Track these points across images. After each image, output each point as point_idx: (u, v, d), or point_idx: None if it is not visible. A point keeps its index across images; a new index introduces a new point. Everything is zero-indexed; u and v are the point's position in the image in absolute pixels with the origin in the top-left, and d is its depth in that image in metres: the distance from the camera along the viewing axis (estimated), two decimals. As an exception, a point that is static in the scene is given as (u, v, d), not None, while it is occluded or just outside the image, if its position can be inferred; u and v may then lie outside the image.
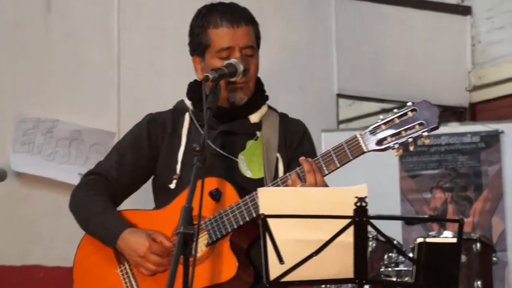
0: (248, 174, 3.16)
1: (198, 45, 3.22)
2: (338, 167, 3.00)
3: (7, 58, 5.34)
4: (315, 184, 2.95)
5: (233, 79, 3.12)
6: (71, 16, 5.52)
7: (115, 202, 3.27)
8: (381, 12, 6.54)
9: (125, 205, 3.34)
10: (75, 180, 5.28)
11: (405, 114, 2.92)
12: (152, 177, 3.30)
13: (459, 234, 2.74)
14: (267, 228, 2.70)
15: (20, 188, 5.26)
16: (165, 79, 5.70)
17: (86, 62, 5.53)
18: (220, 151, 3.16)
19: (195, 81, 3.29)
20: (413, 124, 2.91)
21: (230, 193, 3.05)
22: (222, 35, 3.16)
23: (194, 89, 3.24)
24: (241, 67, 3.11)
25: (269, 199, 2.74)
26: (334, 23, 6.35)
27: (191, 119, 3.24)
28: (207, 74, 3.02)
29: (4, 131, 5.26)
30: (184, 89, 3.36)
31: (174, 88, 5.51)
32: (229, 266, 3.02)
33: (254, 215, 2.99)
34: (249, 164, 3.17)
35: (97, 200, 3.21)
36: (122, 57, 5.62)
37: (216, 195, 3.05)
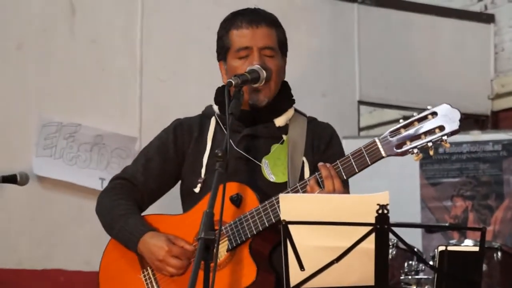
0: (272, 178, 3.15)
1: (221, 49, 3.24)
2: (357, 172, 2.98)
3: (32, 63, 5.38)
4: (333, 191, 2.93)
5: (255, 85, 3.12)
6: (95, 22, 5.56)
7: (141, 207, 3.29)
8: (404, 19, 6.54)
9: (153, 211, 3.34)
10: (96, 185, 5.32)
11: (425, 117, 2.88)
12: (180, 182, 3.31)
13: (482, 242, 2.72)
14: (288, 235, 2.70)
15: (42, 192, 5.28)
16: (187, 85, 5.71)
17: (109, 68, 5.56)
18: (244, 154, 3.17)
19: (222, 86, 3.30)
20: (433, 128, 2.86)
21: (250, 198, 3.05)
22: (241, 36, 3.18)
23: (220, 93, 3.26)
24: (264, 74, 3.11)
25: (290, 205, 2.73)
26: (356, 30, 6.35)
27: (216, 123, 3.25)
28: (230, 80, 3.03)
29: (27, 135, 5.29)
30: (206, 95, 3.37)
31: (196, 94, 5.54)
32: (249, 272, 3.02)
33: (274, 221, 2.98)
34: (273, 168, 3.16)
35: (122, 204, 3.23)
36: (144, 63, 5.64)
37: (237, 201, 3.05)
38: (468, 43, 6.75)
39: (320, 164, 2.97)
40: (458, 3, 6.96)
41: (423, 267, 4.57)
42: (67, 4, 5.49)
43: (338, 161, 2.97)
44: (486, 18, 6.80)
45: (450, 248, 2.73)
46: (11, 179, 3.73)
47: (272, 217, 3.00)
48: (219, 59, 3.28)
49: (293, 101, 3.29)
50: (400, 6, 6.56)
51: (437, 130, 2.86)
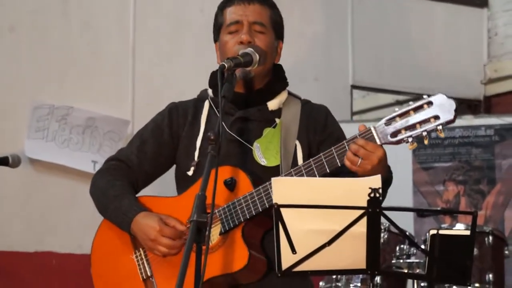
0: (263, 162, 3.15)
1: (215, 27, 3.25)
2: None
3: (24, 46, 5.37)
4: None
5: (248, 69, 3.12)
6: (88, 5, 5.54)
7: (135, 189, 3.29)
8: (397, 4, 6.53)
9: (148, 194, 3.35)
10: (89, 167, 5.32)
11: (421, 107, 2.88)
12: (175, 166, 3.32)
13: (473, 226, 2.73)
14: (280, 218, 2.71)
15: (34, 175, 5.28)
16: (180, 68, 5.71)
17: (102, 50, 5.55)
18: (236, 137, 3.17)
19: (217, 70, 3.29)
20: (428, 117, 2.87)
21: (244, 182, 3.06)
22: (233, 11, 3.20)
23: (214, 77, 3.26)
24: (257, 57, 3.11)
25: (282, 189, 2.74)
26: (350, 15, 6.34)
27: (210, 106, 3.26)
28: (223, 63, 3.03)
29: (19, 118, 5.28)
30: (200, 78, 3.37)
31: (189, 77, 5.54)
32: (241, 256, 3.02)
33: (267, 206, 2.99)
34: (264, 152, 3.16)
35: (116, 185, 3.23)
36: (137, 46, 5.63)
37: (231, 184, 3.06)
38: (462, 27, 6.75)
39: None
40: (452, -13, 6.95)
41: (415, 251, 4.59)
42: (60, -13, 5.48)
43: (333, 148, 2.97)
44: (480, 2, 6.80)
45: (441, 231, 2.74)
46: (2, 161, 3.72)
47: (265, 201, 3.01)
48: (214, 40, 3.29)
49: (286, 84, 3.29)
50: (393, -10, 6.56)
51: (432, 120, 2.86)
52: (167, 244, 3.08)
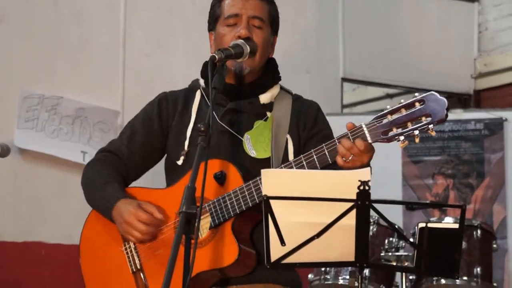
0: (253, 153, 3.15)
1: (211, 18, 3.24)
2: None
3: (15, 35, 5.35)
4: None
5: (239, 60, 3.12)
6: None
7: (126, 180, 3.28)
8: (388, -3, 6.54)
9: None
10: (78, 158, 5.31)
11: (412, 105, 2.87)
12: (165, 157, 3.31)
13: (461, 219, 2.74)
14: (269, 210, 2.71)
15: (23, 165, 5.27)
16: (171, 58, 5.70)
17: (92, 41, 5.54)
18: (227, 128, 3.17)
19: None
20: (419, 116, 2.85)
21: (234, 176, 3.05)
22: (232, 4, 3.19)
23: (206, 68, 3.25)
24: (247, 49, 3.11)
25: (272, 181, 2.74)
26: (341, 8, 6.34)
27: (201, 97, 3.26)
28: (214, 54, 3.03)
29: (9, 107, 5.27)
30: (190, 69, 3.38)
31: (180, 68, 5.53)
32: (231, 251, 3.02)
33: (257, 201, 2.98)
34: (254, 144, 3.16)
35: (103, 174, 3.23)
36: (128, 36, 5.62)
37: (221, 178, 3.05)
38: (452, 22, 6.76)
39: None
40: (443, -19, 6.96)
41: (404, 244, 4.60)
42: (51, -24, 5.46)
43: (323, 145, 2.97)
44: (471, -3, 6.81)
45: (430, 225, 2.75)
46: (-8, 151, 3.71)
47: (255, 197, 3.00)
48: (209, 29, 3.28)
49: (278, 78, 3.29)
50: (385, -16, 6.56)
51: (423, 118, 2.85)
52: (141, 229, 3.07)
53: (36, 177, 5.31)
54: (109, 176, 3.22)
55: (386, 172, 5.60)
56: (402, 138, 2.87)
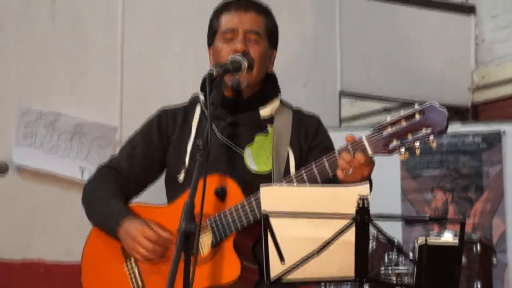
0: (254, 167, 3.16)
1: (210, 33, 3.26)
2: None
3: (12, 49, 5.34)
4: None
5: (237, 75, 3.13)
6: (76, 9, 5.52)
7: (126, 195, 3.28)
8: (386, 10, 6.54)
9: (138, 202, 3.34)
10: (76, 174, 5.30)
11: (412, 116, 2.85)
12: (165, 172, 3.31)
13: (461, 235, 2.74)
14: (268, 226, 2.70)
15: (21, 182, 5.25)
16: (169, 75, 5.70)
17: (89, 56, 5.53)
18: (227, 141, 3.16)
19: None
20: (419, 127, 2.84)
21: (235, 192, 3.05)
22: (229, 18, 3.21)
23: (205, 82, 3.26)
24: (245, 64, 3.12)
25: (271, 197, 2.74)
26: (338, 21, 6.35)
27: (201, 111, 3.26)
28: (211, 69, 3.03)
29: (7, 124, 5.26)
30: (188, 85, 3.39)
31: (177, 84, 5.53)
32: (233, 268, 3.01)
33: (258, 216, 2.97)
34: (255, 157, 3.16)
35: (105, 191, 3.23)
36: (126, 53, 5.62)
37: (221, 194, 3.05)
38: (449, 34, 6.76)
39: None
40: (439, -6, 6.97)
41: (403, 259, 4.59)
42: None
43: (324, 157, 2.96)
44: (467, 9, 6.81)
45: (429, 241, 2.74)
46: (-10, 168, 3.71)
47: (256, 212, 3.00)
48: (208, 44, 3.30)
49: (278, 92, 3.29)
50: (382, -3, 6.57)
51: (423, 129, 2.83)
52: (147, 247, 3.06)
53: (34, 193, 5.29)
54: (111, 193, 3.22)
55: (385, 186, 5.58)
56: (403, 150, 2.85)
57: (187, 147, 3.22)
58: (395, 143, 2.86)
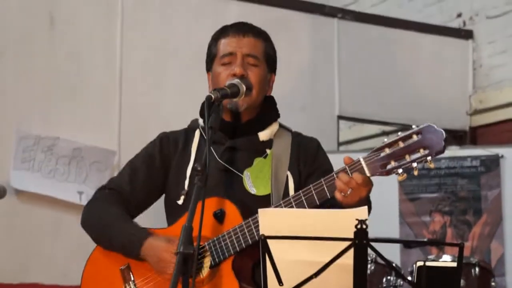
0: (253, 191, 3.16)
1: (208, 58, 3.27)
2: None
3: (10, 75, 5.36)
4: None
5: (235, 99, 3.13)
6: (74, 34, 5.54)
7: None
8: (383, 35, 6.57)
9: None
10: (75, 198, 5.29)
11: (410, 137, 2.86)
12: (164, 195, 3.31)
13: (460, 258, 2.73)
14: (267, 249, 2.70)
15: (19, 205, 5.25)
16: (167, 98, 5.71)
17: (88, 81, 5.54)
18: (227, 166, 3.17)
19: None
20: (417, 148, 2.84)
21: (233, 214, 3.05)
22: (228, 43, 3.22)
23: (204, 107, 3.27)
24: (243, 88, 3.12)
25: (269, 220, 2.73)
26: (336, 45, 6.37)
27: (201, 135, 3.26)
28: (210, 94, 3.04)
29: (5, 148, 5.26)
30: (186, 108, 3.40)
31: (176, 107, 5.54)
32: (231, 290, 3.01)
33: (257, 239, 2.97)
34: (254, 180, 3.17)
35: (113, 210, 3.21)
36: (124, 75, 5.63)
37: (220, 216, 3.05)
38: (447, 59, 6.79)
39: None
40: (437, 19, 7.00)
41: (402, 282, 4.58)
42: (46, 16, 5.47)
43: (322, 179, 2.97)
44: (465, 34, 6.84)
45: (428, 263, 2.74)
46: (-12, 192, 3.70)
47: (255, 234, 3.00)
48: (207, 69, 3.31)
49: (277, 116, 3.30)
50: (379, 22, 6.59)
51: (421, 150, 2.84)
52: None
53: (32, 217, 5.28)
54: (120, 212, 3.20)
55: (383, 209, 5.58)
56: (400, 171, 2.86)
57: (186, 172, 3.22)
58: (392, 164, 2.87)
